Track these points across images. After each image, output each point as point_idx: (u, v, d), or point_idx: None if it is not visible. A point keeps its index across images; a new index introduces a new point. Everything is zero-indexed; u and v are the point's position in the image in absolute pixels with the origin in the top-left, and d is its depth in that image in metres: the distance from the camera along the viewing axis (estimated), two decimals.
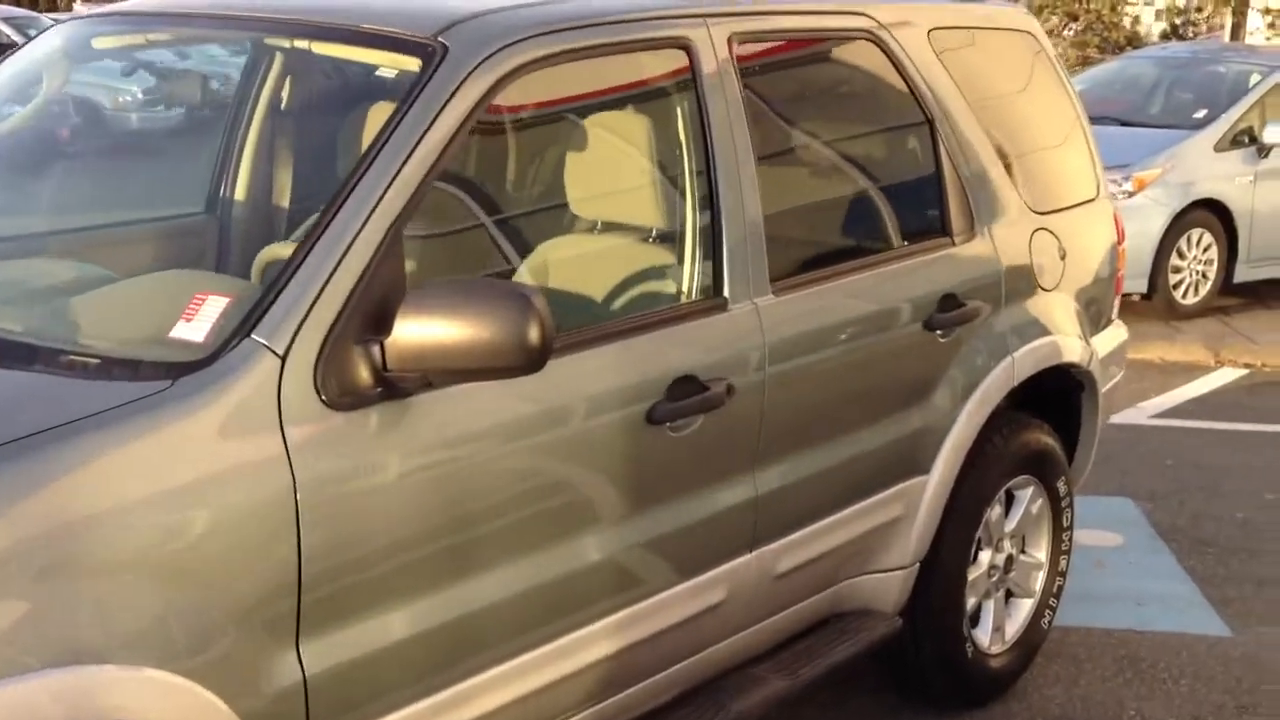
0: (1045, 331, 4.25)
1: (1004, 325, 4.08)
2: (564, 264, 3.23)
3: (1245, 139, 9.96)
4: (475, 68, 2.79)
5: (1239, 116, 10.01)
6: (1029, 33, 4.54)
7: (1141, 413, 7.82)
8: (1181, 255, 9.67)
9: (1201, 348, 9.16)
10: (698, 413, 3.09)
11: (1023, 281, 4.19)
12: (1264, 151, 9.93)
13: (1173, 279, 9.68)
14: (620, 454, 2.96)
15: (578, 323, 3.00)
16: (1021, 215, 4.23)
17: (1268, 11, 17.87)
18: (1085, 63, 13.83)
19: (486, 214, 3.19)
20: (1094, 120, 10.34)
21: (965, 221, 4.00)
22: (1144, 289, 9.58)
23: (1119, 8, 15.46)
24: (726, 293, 3.24)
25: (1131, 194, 9.42)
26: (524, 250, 3.17)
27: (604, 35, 3.12)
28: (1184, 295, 9.77)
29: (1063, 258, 4.36)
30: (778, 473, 3.38)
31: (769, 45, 3.59)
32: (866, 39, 3.82)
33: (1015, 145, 4.34)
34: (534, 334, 2.43)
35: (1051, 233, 4.33)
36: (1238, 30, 17.48)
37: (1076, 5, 15.20)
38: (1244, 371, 8.89)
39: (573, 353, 2.84)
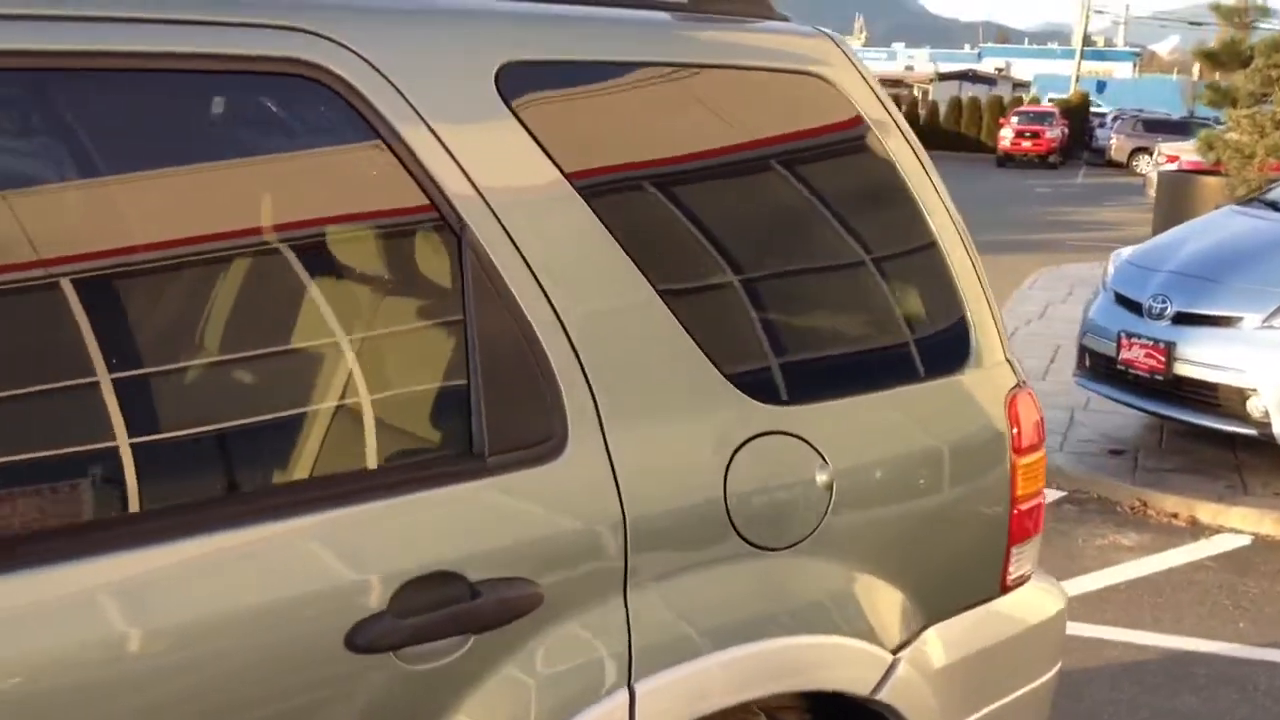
0: (748, 634, 2.21)
1: (617, 625, 2.08)
2: None
3: None
4: None
5: None
6: (813, 74, 2.50)
7: None
8: None
9: None
10: None
11: (692, 535, 2.18)
12: None
13: None
14: None
15: None
16: (712, 403, 2.22)
17: None
18: None
19: None
20: None
21: (532, 423, 2.04)
22: None
23: None
24: None
25: None
26: None
27: None
28: None
29: (829, 486, 2.31)
30: None
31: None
32: (312, 80, 1.95)
33: (732, 267, 2.34)
34: None
35: (802, 439, 2.29)
36: None
37: None
38: None
39: None
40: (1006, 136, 39.48)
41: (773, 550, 2.25)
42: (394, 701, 1.90)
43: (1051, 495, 6.89)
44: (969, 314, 2.59)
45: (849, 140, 2.52)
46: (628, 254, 2.16)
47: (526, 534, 2.00)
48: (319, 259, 1.99)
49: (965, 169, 38.48)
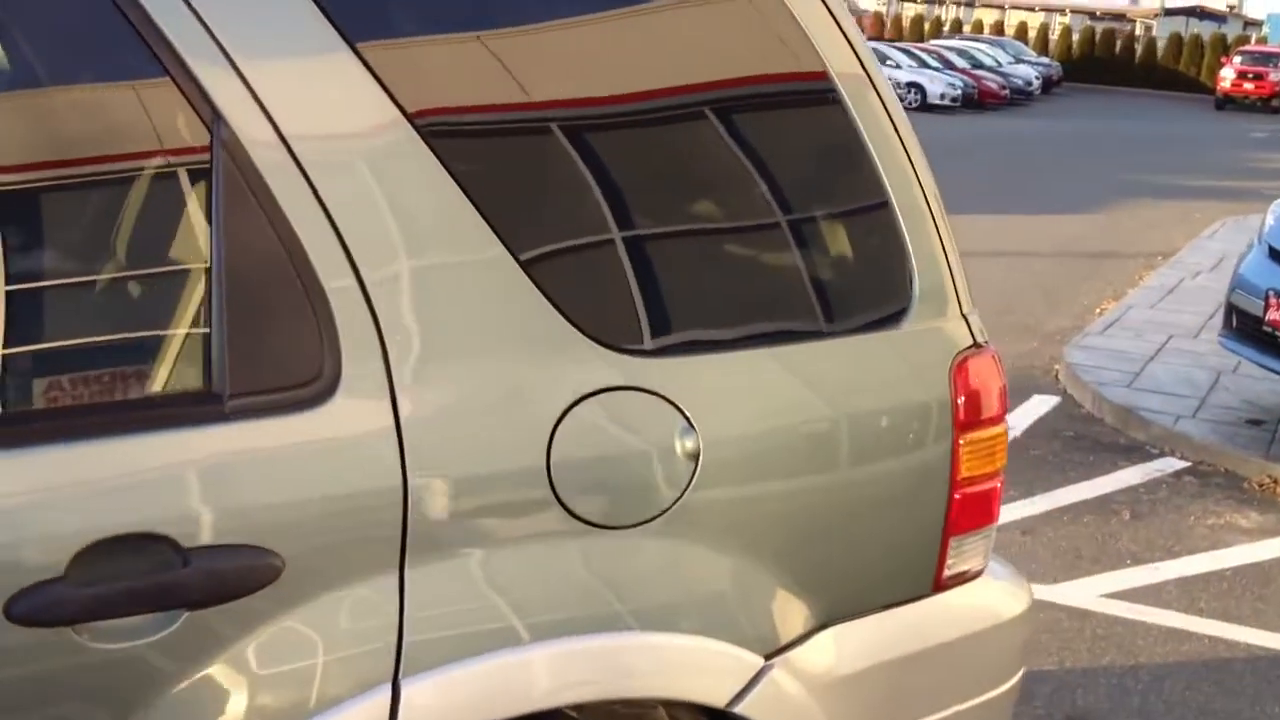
0: (564, 627, 1.85)
1: (386, 610, 1.74)
2: None
3: None
4: None
5: None
6: None
7: None
8: None
9: None
10: None
11: (497, 505, 1.81)
12: None
13: None
14: None
15: None
16: (548, 352, 1.85)
17: None
18: None
19: None
20: None
21: (292, 362, 1.70)
22: None
23: None
24: None
25: None
26: None
27: None
28: None
29: (694, 455, 1.92)
30: None
31: None
32: None
33: (595, 197, 1.95)
34: None
35: (662, 398, 1.91)
36: None
37: None
38: None
39: None
40: (1227, 77, 37.44)
41: (611, 529, 1.88)
42: (78, 686, 1.60)
43: (1173, 465, 6.29)
44: (913, 270, 2.15)
45: (783, 65, 2.10)
46: (444, 166, 1.80)
47: (268, 493, 1.67)
48: (49, 157, 1.67)
49: (1181, 110, 36.62)
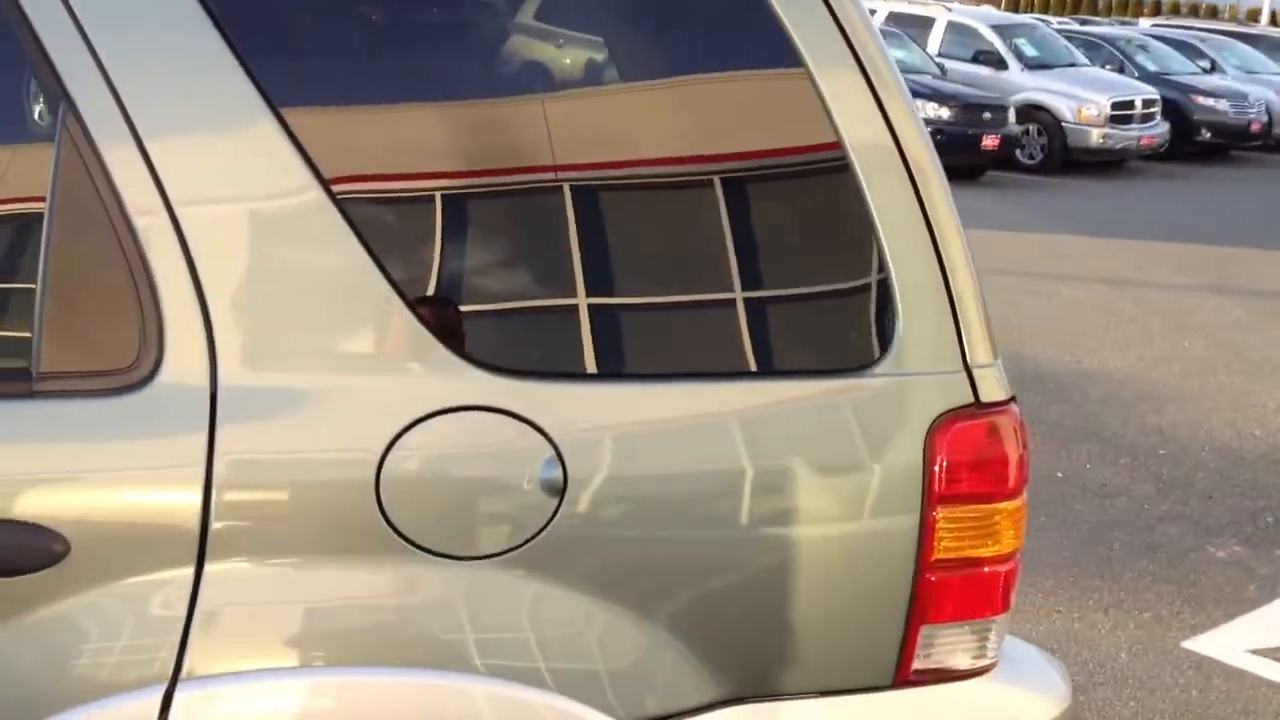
0: (375, 657, 1.72)
1: (172, 609, 1.68)
2: None
3: None
4: None
5: None
6: None
7: None
8: None
9: None
10: None
11: (317, 518, 1.70)
12: None
13: None
14: None
15: None
16: (400, 362, 1.73)
17: None
18: None
19: None
20: None
21: (108, 346, 1.68)
22: None
23: None
24: None
25: None
26: None
27: None
28: None
29: (558, 489, 1.73)
30: None
31: None
32: None
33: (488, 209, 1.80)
34: None
35: (527, 422, 1.73)
36: None
37: None
38: None
39: None
40: None
41: (446, 558, 1.72)
42: None
43: None
44: (896, 310, 1.82)
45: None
46: (299, 151, 1.71)
47: (60, 473, 1.66)
48: None
49: None
